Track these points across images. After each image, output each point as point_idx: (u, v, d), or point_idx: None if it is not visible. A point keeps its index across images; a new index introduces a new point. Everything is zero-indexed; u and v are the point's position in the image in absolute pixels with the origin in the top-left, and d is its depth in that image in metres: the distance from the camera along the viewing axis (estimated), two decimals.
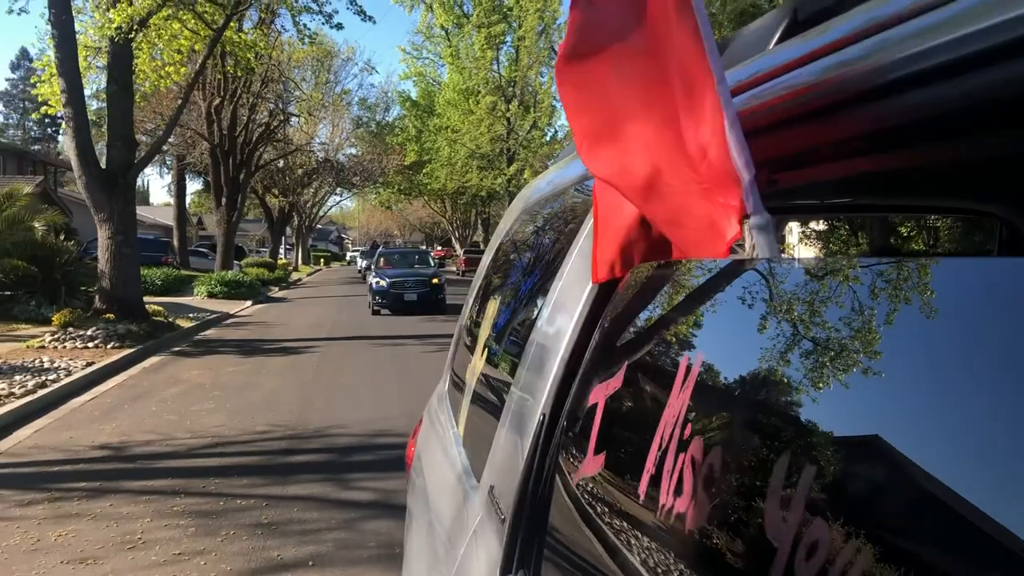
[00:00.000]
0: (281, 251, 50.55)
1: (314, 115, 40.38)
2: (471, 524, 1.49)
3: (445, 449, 2.09)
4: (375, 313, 19.75)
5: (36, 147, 64.69)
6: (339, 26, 16.13)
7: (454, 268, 46.27)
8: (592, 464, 0.96)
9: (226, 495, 5.41)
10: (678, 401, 0.76)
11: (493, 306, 2.20)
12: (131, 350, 12.35)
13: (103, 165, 14.74)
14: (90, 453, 6.65)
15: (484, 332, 2.12)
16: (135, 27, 14.30)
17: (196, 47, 18.38)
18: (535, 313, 1.54)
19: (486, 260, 2.56)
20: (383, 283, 19.84)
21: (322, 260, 70.46)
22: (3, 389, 8.80)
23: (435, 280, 20.22)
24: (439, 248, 66.67)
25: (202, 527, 4.78)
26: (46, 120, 77.05)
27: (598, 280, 1.17)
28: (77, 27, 14.68)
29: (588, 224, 1.34)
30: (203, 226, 60.92)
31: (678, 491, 0.71)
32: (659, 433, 0.78)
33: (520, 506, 1.21)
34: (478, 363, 2.05)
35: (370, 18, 15.71)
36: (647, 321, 1.00)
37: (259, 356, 12.70)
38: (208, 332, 16.34)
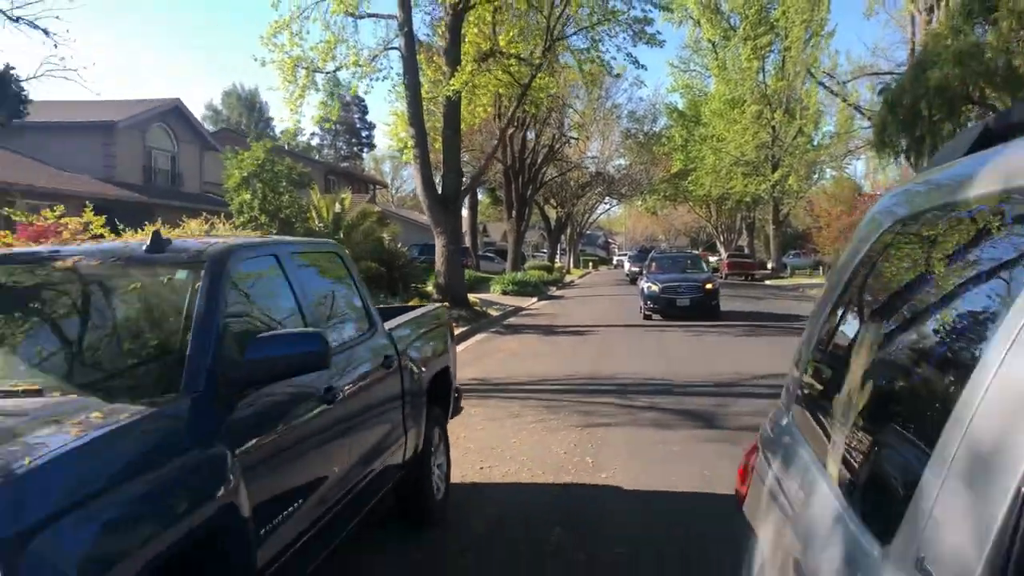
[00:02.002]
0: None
1: (587, 129, 44.60)
2: None
3: (806, 493, 1.79)
4: (646, 318, 19.71)
5: (344, 164, 75.24)
6: (618, 75, 19.80)
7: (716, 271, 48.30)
8: None
9: (558, 400, 9.12)
10: None
11: (875, 327, 1.82)
12: (464, 328, 16.80)
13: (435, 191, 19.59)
14: (468, 382, 10.68)
15: (863, 358, 1.77)
16: (465, 86, 18.95)
17: (500, 91, 22.98)
18: (993, 332, 1.16)
19: (846, 268, 2.15)
20: (655, 288, 19.71)
21: (591, 264, 75.41)
22: None
23: (708, 285, 19.82)
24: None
25: (550, 410, 8.49)
26: (352, 141, 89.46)
27: None
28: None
29: None
30: (487, 233, 68.07)
31: None
32: None
33: None
34: (856, 395, 1.71)
35: (642, 66, 19.25)
36: None
37: (554, 336, 16.63)
38: (511, 319, 20.73)
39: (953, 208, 1.54)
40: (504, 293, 29.04)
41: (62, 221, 13.83)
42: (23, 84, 6.07)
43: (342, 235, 22.42)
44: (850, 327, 2.05)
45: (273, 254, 3.56)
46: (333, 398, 3.37)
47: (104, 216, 14.25)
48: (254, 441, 2.70)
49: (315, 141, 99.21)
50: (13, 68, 5.29)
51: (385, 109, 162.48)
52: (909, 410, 1.46)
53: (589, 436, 7.29)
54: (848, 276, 2.10)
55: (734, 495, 2.50)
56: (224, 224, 16.30)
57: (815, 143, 44.98)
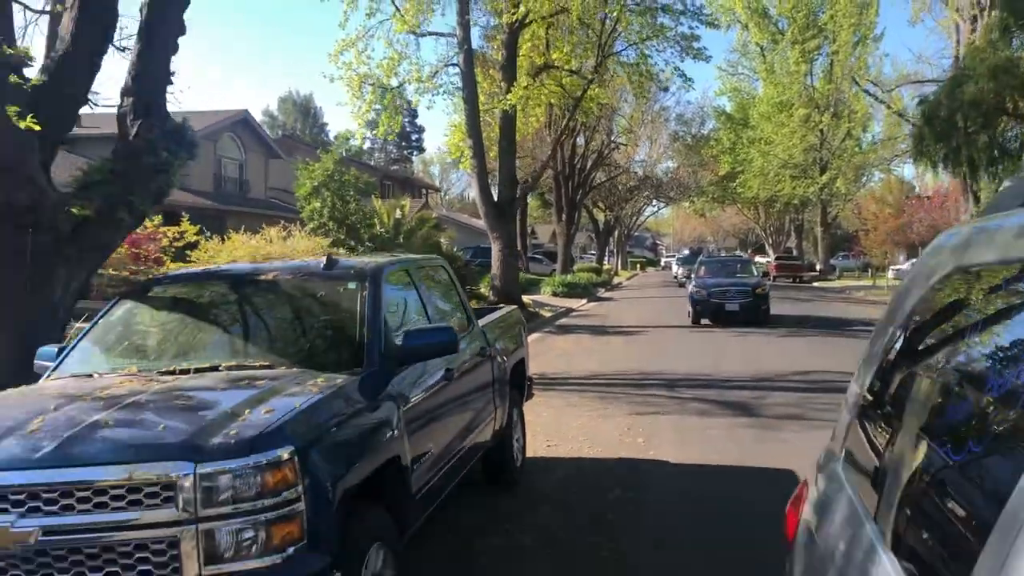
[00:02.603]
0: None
1: (635, 132, 45.31)
2: None
3: (856, 549, 1.69)
4: (695, 322, 19.61)
5: (395, 167, 76.84)
6: (665, 89, 20.77)
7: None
8: None
9: (611, 392, 10.20)
10: None
11: (933, 376, 1.71)
12: None
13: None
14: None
15: (922, 407, 1.66)
16: (520, 100, 20.10)
17: (553, 101, 24.05)
18: None
19: (905, 300, 2.02)
20: (703, 292, 19.62)
21: (638, 265, 76.01)
22: None
23: (758, 290, 19.55)
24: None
25: (605, 400, 9.58)
26: (402, 144, 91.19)
27: None
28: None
29: None
30: (535, 235, 69.10)
31: None
32: None
33: None
34: (906, 444, 1.64)
35: (689, 79, 20.23)
36: None
37: (605, 336, 17.66)
38: (562, 320, 21.81)
39: (1011, 265, 1.47)
40: (554, 295, 30.00)
41: (160, 229, 15.33)
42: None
43: (402, 240, 23.74)
44: (907, 370, 1.92)
45: (406, 269, 4.73)
46: (451, 377, 4.50)
47: (198, 225, 15.73)
48: (408, 405, 3.84)
49: (367, 145, 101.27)
50: (188, 119, 6.49)
51: (434, 113, 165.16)
52: (974, 468, 1.35)
53: (640, 422, 8.34)
54: (908, 310, 1.98)
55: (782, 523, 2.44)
56: (298, 231, 17.68)
57: (863, 146, 45.11)
